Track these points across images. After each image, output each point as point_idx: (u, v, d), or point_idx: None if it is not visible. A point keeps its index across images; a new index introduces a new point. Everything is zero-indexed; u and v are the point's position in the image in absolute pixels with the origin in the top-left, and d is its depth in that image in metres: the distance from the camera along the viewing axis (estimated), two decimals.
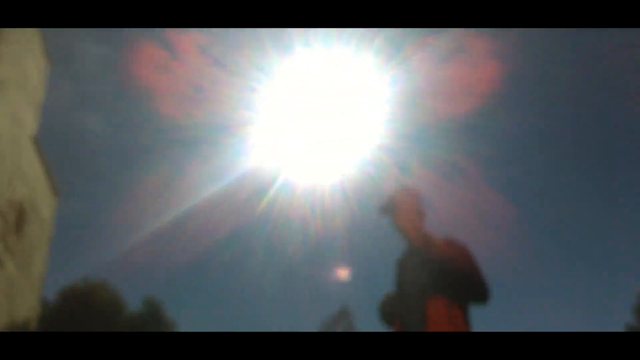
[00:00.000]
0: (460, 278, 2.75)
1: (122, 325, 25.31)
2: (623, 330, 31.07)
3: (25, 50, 16.23)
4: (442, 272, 2.76)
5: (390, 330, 3.03)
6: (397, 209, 3.14)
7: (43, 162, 17.57)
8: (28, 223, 16.47)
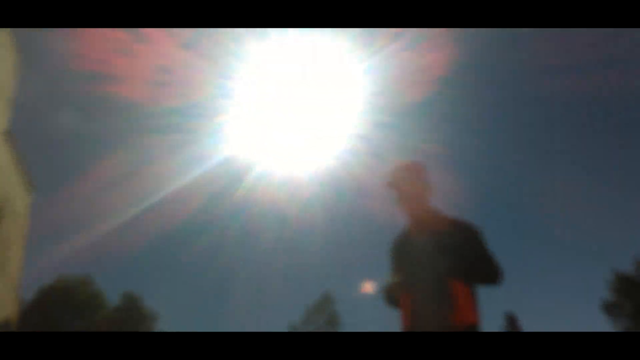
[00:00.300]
0: (471, 259, 2.62)
1: (103, 321, 25.03)
2: (599, 306, 32.14)
3: None
4: (452, 254, 2.62)
5: (397, 310, 2.86)
6: (399, 186, 2.90)
7: (16, 157, 17.12)
8: (2, 219, 16.09)
